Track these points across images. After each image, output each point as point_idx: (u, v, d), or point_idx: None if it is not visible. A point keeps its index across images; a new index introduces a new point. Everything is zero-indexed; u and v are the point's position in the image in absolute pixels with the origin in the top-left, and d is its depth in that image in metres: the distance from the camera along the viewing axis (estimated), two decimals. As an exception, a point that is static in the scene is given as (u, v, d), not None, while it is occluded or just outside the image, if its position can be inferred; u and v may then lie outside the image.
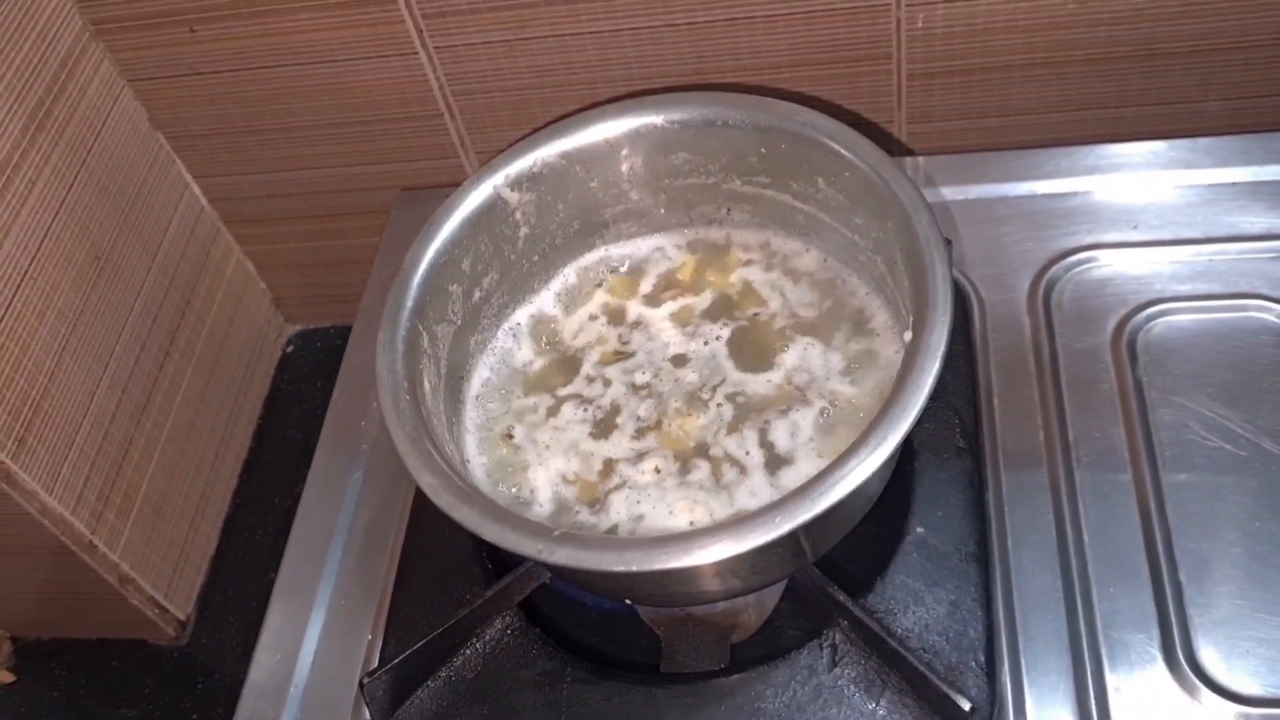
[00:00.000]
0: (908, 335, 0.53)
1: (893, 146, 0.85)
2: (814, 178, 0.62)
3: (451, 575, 0.65)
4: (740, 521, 0.49)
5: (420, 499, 0.69)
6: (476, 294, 0.65)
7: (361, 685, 0.60)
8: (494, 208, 0.63)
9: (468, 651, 0.62)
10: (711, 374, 0.63)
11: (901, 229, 0.55)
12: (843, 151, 0.59)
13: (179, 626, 0.91)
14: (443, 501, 0.52)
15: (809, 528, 0.49)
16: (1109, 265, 0.72)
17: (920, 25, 0.76)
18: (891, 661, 0.56)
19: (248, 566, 0.94)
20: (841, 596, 0.57)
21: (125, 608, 0.87)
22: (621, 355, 0.66)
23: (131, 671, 0.91)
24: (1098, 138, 0.80)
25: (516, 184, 0.63)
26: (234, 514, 0.97)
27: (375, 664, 0.63)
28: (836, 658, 0.58)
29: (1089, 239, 0.73)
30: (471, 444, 0.64)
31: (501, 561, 0.65)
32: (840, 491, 0.48)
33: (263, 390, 1.04)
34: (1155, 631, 0.58)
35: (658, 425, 0.62)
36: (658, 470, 0.60)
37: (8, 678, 0.92)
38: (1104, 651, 0.58)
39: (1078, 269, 0.72)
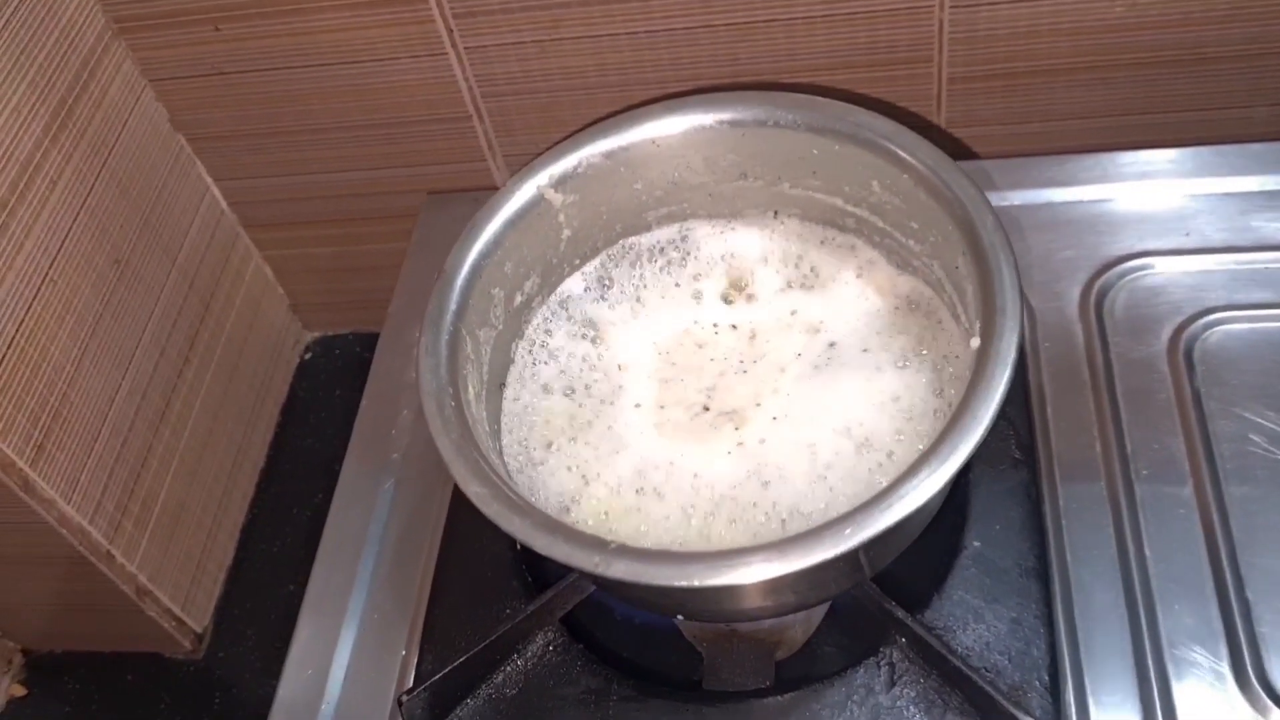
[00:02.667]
0: (975, 342, 0.51)
1: (932, 152, 0.84)
2: (868, 181, 0.60)
3: (490, 589, 0.63)
4: (805, 536, 0.48)
5: (456, 509, 0.67)
6: (518, 298, 0.63)
7: (399, 703, 0.58)
8: (537, 209, 0.62)
9: (509, 668, 0.60)
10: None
11: (965, 233, 0.54)
12: (901, 153, 0.57)
13: (195, 639, 0.90)
14: (492, 511, 0.50)
15: (872, 542, 0.47)
16: (1162, 273, 0.70)
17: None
18: (953, 681, 0.55)
19: (266, 578, 0.93)
20: (900, 613, 0.55)
21: (141, 620, 0.85)
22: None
23: (147, 686, 0.89)
24: (1142, 144, 0.78)
25: (560, 184, 0.62)
26: (251, 524, 0.96)
27: (411, 680, 0.61)
28: (895, 676, 0.56)
29: (1139, 246, 0.72)
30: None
31: (541, 574, 0.63)
32: (913, 503, 0.46)
33: (280, 398, 1.03)
34: (1223, 649, 0.56)
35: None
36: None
37: (19, 691, 0.91)
38: (1170, 670, 0.56)
39: (1130, 276, 0.70)
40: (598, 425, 0.60)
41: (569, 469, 0.59)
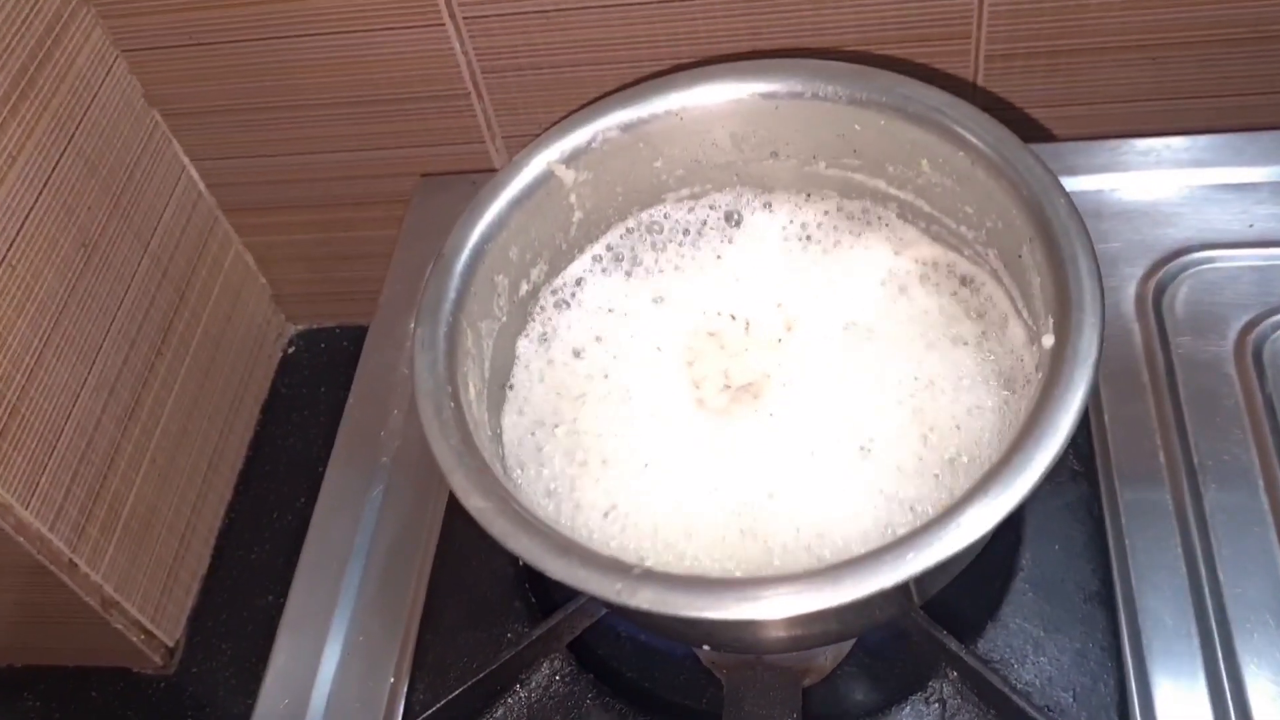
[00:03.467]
0: (1048, 340, 0.46)
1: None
2: (916, 160, 0.54)
3: (489, 610, 0.58)
4: (854, 562, 0.42)
5: (451, 521, 0.62)
6: (524, 287, 0.57)
7: (388, 739, 0.52)
8: (546, 187, 0.56)
9: (510, 700, 0.55)
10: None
11: (1033, 217, 0.48)
12: (958, 129, 0.51)
13: (166, 654, 0.86)
14: (497, 529, 0.44)
15: (927, 570, 0.41)
16: (1224, 267, 0.65)
17: None
18: (1012, 720, 0.49)
19: (243, 588, 0.89)
20: (953, 645, 0.49)
21: (108, 633, 0.81)
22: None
23: (114, 703, 0.86)
24: (1195, 129, 0.73)
25: (572, 160, 0.56)
26: (228, 530, 0.93)
27: (400, 714, 0.55)
28: (947, 715, 0.50)
29: (1199, 237, 0.66)
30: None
31: (546, 595, 0.58)
32: (978, 528, 0.40)
33: (261, 394, 0.99)
34: (1308, 683, 0.51)
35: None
36: None
37: (-24, 709, 0.85)
38: (1252, 705, 0.51)
39: (1190, 270, 0.65)
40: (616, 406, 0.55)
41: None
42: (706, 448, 0.52)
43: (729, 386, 0.55)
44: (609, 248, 0.60)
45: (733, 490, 0.51)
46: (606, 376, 0.56)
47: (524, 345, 0.58)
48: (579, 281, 0.59)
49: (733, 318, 0.57)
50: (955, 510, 0.41)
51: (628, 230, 0.60)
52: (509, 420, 0.55)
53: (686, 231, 0.60)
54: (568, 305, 0.58)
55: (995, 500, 0.41)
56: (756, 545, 0.49)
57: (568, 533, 0.47)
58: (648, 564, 0.44)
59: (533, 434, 0.54)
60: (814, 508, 0.49)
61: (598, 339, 0.57)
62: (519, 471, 0.53)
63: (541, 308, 0.58)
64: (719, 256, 0.60)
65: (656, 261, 0.59)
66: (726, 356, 0.56)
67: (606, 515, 0.50)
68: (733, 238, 0.60)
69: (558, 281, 0.59)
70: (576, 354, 0.57)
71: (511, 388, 0.56)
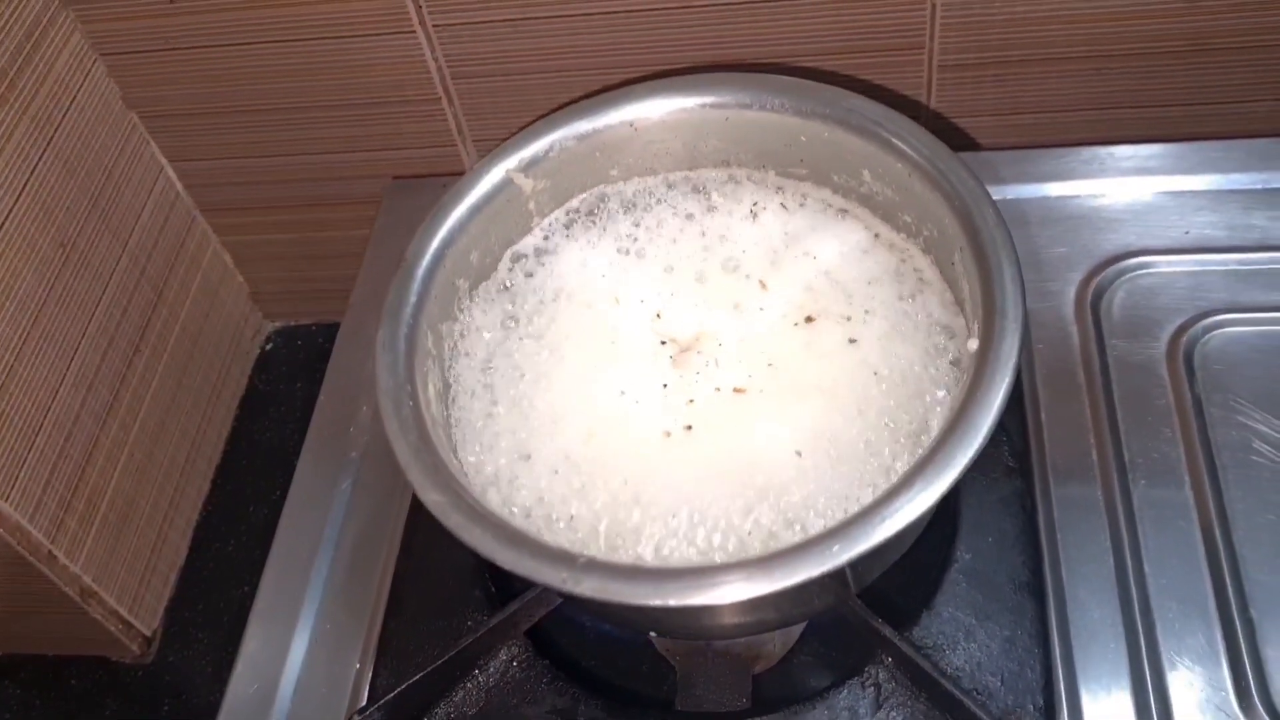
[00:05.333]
0: (973, 344, 0.48)
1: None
2: (858, 170, 0.57)
3: (451, 599, 0.60)
4: (788, 552, 0.44)
5: (416, 514, 0.64)
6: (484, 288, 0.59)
7: (351, 722, 0.54)
8: (506, 194, 0.58)
9: (469, 685, 0.57)
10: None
11: (963, 227, 0.50)
12: (895, 141, 0.54)
13: (144, 643, 0.86)
14: (452, 522, 0.46)
15: (858, 559, 0.44)
16: (1160, 272, 0.68)
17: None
18: (943, 704, 0.51)
19: (219, 579, 0.90)
20: (888, 631, 0.52)
21: (86, 622, 0.82)
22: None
23: (92, 691, 0.86)
24: (1140, 138, 0.75)
25: (530, 169, 0.58)
26: (205, 522, 0.93)
27: (365, 697, 0.57)
28: (881, 698, 0.52)
29: (1137, 244, 0.69)
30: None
31: (506, 584, 0.60)
32: (904, 519, 0.43)
33: (238, 390, 1.00)
34: (1226, 671, 0.53)
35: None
36: None
37: (-43, 697, 0.86)
38: (1171, 694, 0.53)
39: (1127, 276, 0.68)
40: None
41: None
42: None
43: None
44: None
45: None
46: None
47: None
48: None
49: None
50: (878, 506, 0.44)
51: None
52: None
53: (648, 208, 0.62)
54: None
55: (918, 497, 0.44)
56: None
57: (520, 521, 0.49)
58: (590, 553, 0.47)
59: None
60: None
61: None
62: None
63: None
64: (689, 217, 0.61)
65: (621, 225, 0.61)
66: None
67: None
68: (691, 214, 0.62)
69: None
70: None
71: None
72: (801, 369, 0.54)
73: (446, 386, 0.55)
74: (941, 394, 0.52)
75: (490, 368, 0.56)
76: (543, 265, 0.60)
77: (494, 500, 0.51)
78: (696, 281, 0.58)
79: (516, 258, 0.60)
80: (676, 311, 0.57)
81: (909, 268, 0.57)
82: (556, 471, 0.52)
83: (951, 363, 0.53)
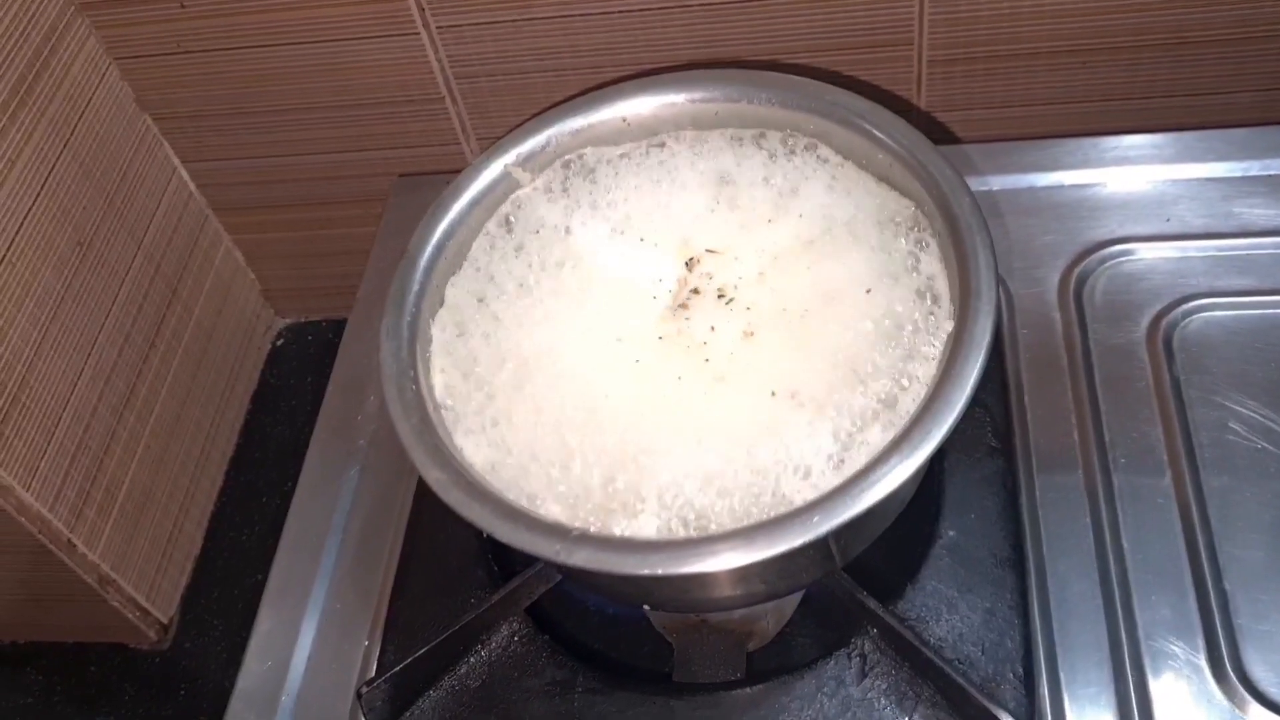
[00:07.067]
0: (949, 325, 0.50)
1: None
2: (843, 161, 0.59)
3: (454, 578, 0.62)
4: (773, 523, 0.46)
5: (421, 497, 0.66)
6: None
7: (359, 695, 0.56)
8: (504, 187, 0.60)
9: (472, 659, 0.58)
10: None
11: (941, 214, 0.52)
12: (876, 133, 0.56)
13: (161, 630, 0.88)
14: (452, 499, 0.48)
15: (842, 530, 0.46)
16: (1142, 259, 0.69)
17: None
18: (925, 673, 0.53)
19: (234, 567, 0.92)
20: (872, 603, 0.54)
21: (105, 610, 0.84)
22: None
23: (111, 677, 0.88)
24: (1124, 129, 0.77)
25: (528, 163, 0.60)
26: (219, 513, 0.95)
27: (373, 672, 0.59)
28: (866, 668, 0.54)
29: (1120, 231, 0.71)
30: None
31: (507, 563, 0.62)
32: (883, 490, 0.45)
33: (251, 385, 1.02)
34: (1200, 641, 0.55)
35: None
36: None
37: (-20, 683, 0.89)
38: (1147, 663, 0.55)
39: (1110, 263, 0.69)
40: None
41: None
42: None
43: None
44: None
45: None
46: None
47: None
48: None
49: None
50: (858, 479, 0.46)
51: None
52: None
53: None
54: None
55: (895, 469, 0.46)
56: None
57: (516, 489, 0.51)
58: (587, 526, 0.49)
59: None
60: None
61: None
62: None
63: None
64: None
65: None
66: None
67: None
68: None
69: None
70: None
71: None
72: (805, 310, 0.54)
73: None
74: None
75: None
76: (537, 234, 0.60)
77: (487, 455, 0.53)
78: (698, 218, 0.58)
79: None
80: (673, 250, 0.58)
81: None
82: (555, 424, 0.53)
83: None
